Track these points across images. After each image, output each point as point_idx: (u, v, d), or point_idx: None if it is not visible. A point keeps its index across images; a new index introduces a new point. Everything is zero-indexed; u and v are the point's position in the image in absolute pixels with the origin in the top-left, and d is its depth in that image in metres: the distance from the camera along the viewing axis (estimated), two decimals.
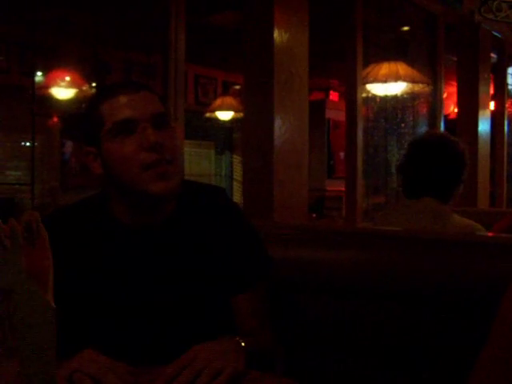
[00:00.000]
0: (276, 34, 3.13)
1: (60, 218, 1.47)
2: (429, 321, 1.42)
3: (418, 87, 4.74)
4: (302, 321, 1.60)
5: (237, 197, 7.14)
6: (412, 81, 4.57)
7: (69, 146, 5.98)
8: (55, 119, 5.75)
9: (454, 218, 2.16)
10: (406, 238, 1.65)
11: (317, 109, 7.15)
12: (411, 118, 5.10)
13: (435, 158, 2.17)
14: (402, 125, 4.99)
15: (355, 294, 1.52)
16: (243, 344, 1.27)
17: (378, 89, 4.71)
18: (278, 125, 3.13)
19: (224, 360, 1.18)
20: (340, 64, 5.11)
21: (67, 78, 5.29)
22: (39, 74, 5.47)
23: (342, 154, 7.86)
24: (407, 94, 4.79)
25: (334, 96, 8.53)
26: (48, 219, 1.46)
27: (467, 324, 1.36)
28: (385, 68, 4.60)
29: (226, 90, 7.34)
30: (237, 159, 8.15)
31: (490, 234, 2.20)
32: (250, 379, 1.21)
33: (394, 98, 4.84)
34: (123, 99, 1.34)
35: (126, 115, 1.32)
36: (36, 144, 5.47)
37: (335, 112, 8.02)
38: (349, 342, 1.53)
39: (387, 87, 4.67)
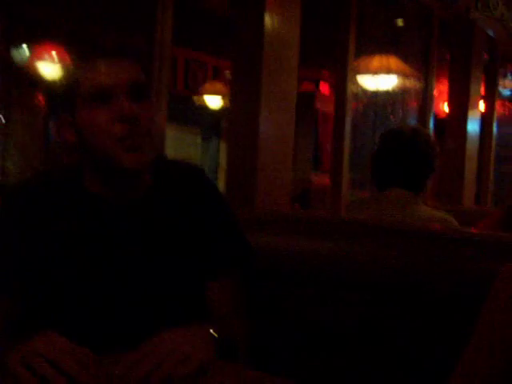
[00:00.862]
0: (267, 20, 3.06)
1: (27, 188, 1.39)
2: (404, 312, 1.41)
3: (409, 82, 4.70)
4: (279, 311, 1.57)
5: (221, 184, 7.08)
6: (403, 75, 4.53)
7: (54, 125, 5.87)
8: (39, 96, 5.65)
9: (424, 209, 2.18)
10: (381, 228, 1.65)
11: (306, 100, 7.09)
12: (400, 114, 5.07)
13: (405, 148, 2.20)
14: (391, 120, 4.96)
15: (334, 284, 1.50)
16: (213, 331, 1.22)
17: (368, 82, 4.67)
18: (265, 112, 3.08)
19: (192, 346, 1.13)
20: (332, 55, 5.06)
21: (54, 53, 5.20)
22: (24, 47, 5.37)
23: (328, 147, 7.83)
24: (398, 88, 4.75)
25: (324, 87, 8.46)
26: (14, 189, 1.41)
27: (447, 319, 1.36)
28: (376, 60, 4.56)
29: (216, 76, 7.27)
30: (224, 146, 8.07)
31: (472, 230, 2.20)
32: (216, 368, 1.15)
33: (384, 92, 4.80)
34: (101, 65, 1.28)
35: (101, 83, 1.26)
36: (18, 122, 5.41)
37: (325, 104, 7.95)
38: (328, 333, 1.50)
39: (378, 81, 4.63)
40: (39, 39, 5.24)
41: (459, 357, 0.98)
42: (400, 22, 5.02)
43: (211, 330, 1.23)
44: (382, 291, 1.44)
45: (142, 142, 1.27)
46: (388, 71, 4.48)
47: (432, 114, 5.33)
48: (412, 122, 5.20)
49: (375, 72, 4.47)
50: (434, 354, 1.34)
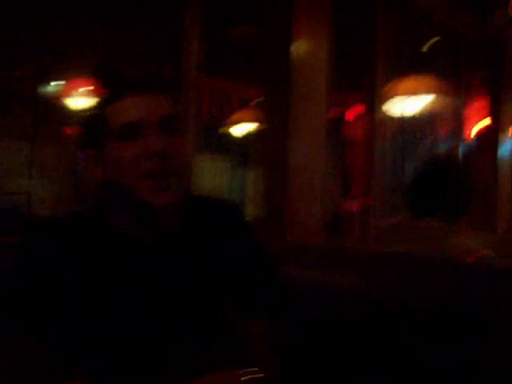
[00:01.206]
0: (295, 46, 3.05)
1: (53, 230, 1.34)
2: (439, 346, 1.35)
3: (445, 101, 4.55)
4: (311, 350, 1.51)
5: (249, 213, 7.04)
6: (440, 92, 4.39)
7: (84, 155, 5.89)
8: (72, 129, 5.69)
9: (458, 240, 2.12)
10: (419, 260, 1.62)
11: (333, 126, 7.04)
12: (432, 137, 4.99)
13: (444, 179, 2.18)
14: (423, 144, 4.88)
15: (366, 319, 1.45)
16: (244, 379, 1.17)
17: (398, 105, 4.58)
18: (295, 141, 3.05)
19: None
20: (360, 81, 5.01)
21: (85, 88, 5.24)
22: (57, 83, 5.44)
23: (357, 174, 7.75)
24: (429, 111, 4.65)
25: (352, 114, 8.40)
26: (40, 231, 1.36)
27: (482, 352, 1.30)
28: (412, 80, 4.44)
29: (244, 104, 7.26)
30: (251, 175, 8.04)
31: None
32: None
33: (414, 117, 4.72)
34: (130, 100, 1.24)
35: (131, 118, 1.23)
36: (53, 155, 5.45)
37: (354, 130, 7.89)
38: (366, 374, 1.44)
39: (411, 102, 4.52)
40: (69, 74, 5.29)
41: None
42: (430, 44, 4.96)
43: (243, 377, 1.17)
44: (419, 325, 1.39)
45: (172, 180, 1.23)
46: (427, 90, 4.36)
47: (462, 137, 5.25)
48: (442, 145, 5.12)
49: (413, 92, 4.36)
50: None
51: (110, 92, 1.32)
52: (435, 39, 5.03)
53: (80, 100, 5.18)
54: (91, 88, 5.09)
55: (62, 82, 5.31)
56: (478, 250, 2.10)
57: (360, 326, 1.47)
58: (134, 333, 1.25)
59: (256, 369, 1.23)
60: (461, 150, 5.16)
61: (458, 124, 5.13)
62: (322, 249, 1.93)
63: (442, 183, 2.17)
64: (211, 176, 7.60)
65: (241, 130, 6.82)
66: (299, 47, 3.08)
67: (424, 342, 1.38)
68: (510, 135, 5.55)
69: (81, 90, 5.14)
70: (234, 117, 6.80)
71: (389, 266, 1.57)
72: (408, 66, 4.63)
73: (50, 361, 1.24)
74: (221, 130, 6.85)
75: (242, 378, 1.17)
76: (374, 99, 4.09)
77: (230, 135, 7.01)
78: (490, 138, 5.38)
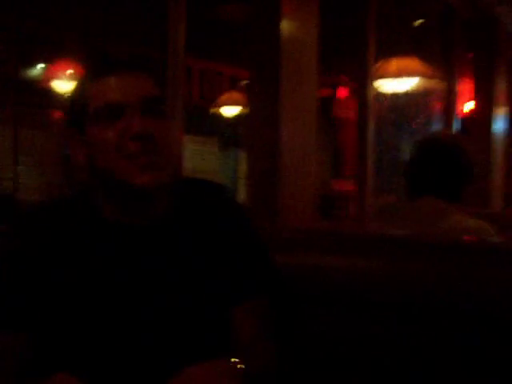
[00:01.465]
0: (283, 25, 2.98)
1: (39, 216, 1.30)
2: (437, 331, 1.31)
3: (430, 83, 4.56)
4: (306, 334, 1.46)
5: (242, 195, 7.02)
6: (425, 76, 4.41)
7: (70, 139, 5.80)
8: (57, 113, 5.62)
9: (459, 219, 2.08)
10: (417, 242, 1.52)
11: (324, 106, 7.00)
12: (424, 116, 4.95)
13: (441, 156, 2.14)
14: (415, 122, 4.84)
15: (363, 303, 1.41)
16: (239, 366, 1.12)
17: (387, 85, 4.55)
18: (285, 121, 2.99)
19: None
20: (350, 59, 4.96)
21: (69, 71, 5.17)
22: (40, 66, 5.37)
23: (348, 153, 7.73)
24: (420, 90, 4.62)
25: (342, 93, 8.36)
26: (26, 218, 1.31)
27: (484, 338, 1.25)
28: (395, 63, 4.44)
29: (233, 85, 7.20)
30: (242, 156, 7.99)
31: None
32: None
33: (406, 94, 4.68)
34: (112, 80, 1.19)
35: (113, 98, 1.18)
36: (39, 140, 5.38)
37: (343, 110, 7.86)
38: (357, 357, 1.40)
39: (397, 84, 4.51)
40: (53, 57, 5.22)
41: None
42: (420, 22, 4.90)
43: (238, 365, 1.12)
44: (414, 309, 1.35)
45: (157, 161, 1.19)
46: (410, 73, 4.36)
47: (455, 115, 5.21)
48: (436, 123, 5.08)
49: (396, 75, 4.35)
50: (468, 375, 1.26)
51: (91, 71, 1.27)
52: (421, 20, 4.99)
53: (63, 82, 5.12)
54: (74, 70, 5.06)
55: (45, 65, 5.24)
56: (479, 227, 2.06)
57: (354, 310, 1.42)
58: (121, 320, 1.21)
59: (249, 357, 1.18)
60: (454, 129, 5.13)
61: (451, 102, 5.09)
62: (315, 231, 1.87)
63: (439, 161, 2.13)
64: (201, 158, 7.55)
65: (231, 110, 6.78)
66: (288, 26, 3.01)
67: (422, 330, 1.34)
68: (502, 113, 5.52)
69: (64, 72, 5.07)
70: (224, 97, 6.75)
71: (386, 248, 1.51)
72: (399, 44, 4.58)
73: (34, 354, 1.19)
74: (211, 111, 6.80)
75: (239, 366, 1.12)
76: (365, 78, 4.03)
77: (220, 116, 6.96)
78: (482, 116, 5.35)
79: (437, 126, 5.03)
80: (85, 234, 1.25)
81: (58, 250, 1.23)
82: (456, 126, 5.18)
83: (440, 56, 5.06)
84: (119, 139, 1.17)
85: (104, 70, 1.22)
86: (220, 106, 6.75)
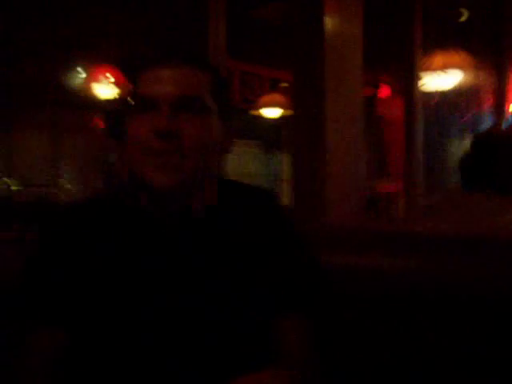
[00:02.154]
0: (327, 22, 2.92)
1: (71, 213, 1.26)
2: (491, 332, 1.26)
3: (478, 77, 4.46)
4: (352, 338, 1.41)
5: (286, 197, 6.97)
6: (470, 68, 4.30)
7: (112, 145, 5.84)
8: (96, 119, 5.67)
9: (509, 219, 1.98)
10: (470, 239, 1.48)
11: (367, 105, 6.92)
12: (474, 112, 4.82)
13: (498, 151, 2.07)
14: (463, 119, 4.72)
15: (414, 304, 1.35)
16: (291, 379, 1.04)
17: (433, 81, 4.45)
18: (331, 120, 2.94)
19: None
20: (393, 57, 4.86)
21: (108, 76, 5.21)
22: (80, 71, 5.42)
23: (393, 152, 7.63)
24: (468, 86, 4.51)
25: (385, 91, 8.26)
26: (63, 212, 1.26)
27: None
28: (440, 57, 4.34)
29: (273, 87, 7.16)
30: (286, 158, 7.96)
31: None
32: None
33: (455, 89, 4.56)
34: (155, 73, 1.15)
35: (148, 91, 1.13)
36: (78, 144, 5.43)
37: (386, 108, 7.76)
38: (407, 359, 1.35)
39: (443, 78, 4.41)
40: (93, 62, 5.27)
41: None
42: (467, 15, 4.77)
43: (289, 377, 1.04)
44: (468, 309, 1.29)
45: (179, 162, 1.12)
46: (455, 66, 4.26)
47: (505, 110, 5.06)
48: (486, 120, 4.95)
49: (442, 68, 4.25)
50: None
51: (144, 58, 1.23)
52: (468, 13, 4.86)
53: (102, 87, 5.15)
54: (113, 75, 5.09)
55: (85, 70, 5.29)
56: None
57: (403, 311, 1.36)
58: (156, 318, 1.14)
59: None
60: (504, 126, 4.98)
61: (500, 99, 4.94)
62: (362, 231, 1.81)
63: (496, 156, 2.07)
64: (243, 160, 7.54)
65: (272, 112, 6.73)
66: (331, 22, 2.96)
67: (465, 330, 1.29)
68: None
69: (103, 77, 5.11)
70: (265, 100, 6.71)
71: (434, 247, 1.44)
72: (445, 38, 4.47)
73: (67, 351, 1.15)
74: (252, 114, 6.77)
75: (288, 376, 1.04)
76: (411, 74, 3.94)
77: (261, 118, 6.93)
78: None
79: (487, 123, 4.89)
80: (120, 229, 1.21)
81: (92, 244, 1.19)
82: (505, 123, 5.03)
83: (489, 50, 4.92)
84: (146, 133, 1.12)
85: (153, 61, 1.18)
86: (261, 108, 6.71)
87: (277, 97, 6.65)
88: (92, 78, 5.21)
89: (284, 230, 1.27)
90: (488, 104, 5.00)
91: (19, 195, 4.78)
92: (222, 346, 1.14)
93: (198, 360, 1.13)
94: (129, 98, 1.16)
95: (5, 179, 4.64)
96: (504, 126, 4.93)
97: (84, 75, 5.38)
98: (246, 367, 1.03)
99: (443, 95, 4.62)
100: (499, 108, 4.89)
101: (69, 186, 5.25)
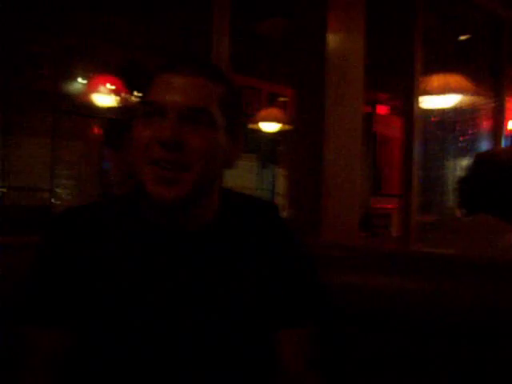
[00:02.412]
0: (329, 38, 2.94)
1: (74, 215, 1.24)
2: (494, 359, 1.24)
3: (477, 99, 4.48)
4: (350, 358, 1.40)
5: (281, 211, 6.96)
6: (468, 93, 4.32)
7: (109, 154, 5.83)
8: (95, 126, 5.65)
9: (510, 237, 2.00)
10: (465, 261, 1.49)
11: (363, 122, 6.93)
12: (470, 133, 4.83)
13: (500, 173, 2.05)
14: (461, 139, 4.73)
15: (413, 327, 1.35)
16: None
17: (431, 102, 4.47)
18: (330, 136, 2.94)
19: None
20: (391, 75, 4.88)
21: (110, 85, 5.20)
22: (79, 80, 5.42)
23: (388, 171, 7.64)
24: (466, 107, 4.53)
25: (381, 110, 8.28)
26: (66, 215, 1.24)
27: None
28: (437, 80, 4.36)
29: (272, 102, 7.17)
30: (280, 172, 7.95)
31: None
32: None
33: (452, 111, 4.59)
34: (168, 79, 1.13)
35: (157, 98, 1.12)
36: (77, 151, 5.41)
37: (382, 127, 7.78)
38: (405, 379, 1.34)
39: (441, 100, 4.43)
40: (94, 71, 5.27)
41: None
42: (467, 37, 4.80)
43: None
44: (468, 334, 1.29)
45: (183, 174, 1.11)
46: (453, 90, 4.28)
47: (504, 133, 5.07)
48: (483, 141, 4.96)
49: (440, 91, 4.27)
50: None
51: (163, 62, 1.22)
52: (468, 35, 4.88)
53: (104, 96, 5.15)
54: (114, 84, 5.09)
55: (86, 80, 5.29)
56: None
57: (399, 331, 1.36)
58: (157, 327, 1.14)
59: None
60: (503, 144, 4.99)
61: (499, 120, 4.95)
62: (358, 249, 1.81)
63: (496, 178, 2.05)
64: (240, 174, 7.53)
65: (269, 127, 6.74)
66: (334, 39, 2.97)
67: (473, 353, 1.28)
68: None
69: (104, 86, 5.11)
70: (263, 114, 6.72)
71: (431, 266, 1.44)
72: (445, 59, 4.49)
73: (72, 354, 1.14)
74: (249, 127, 6.77)
75: None
76: (411, 93, 3.95)
77: (258, 132, 6.93)
78: None
79: (484, 144, 4.91)
80: (124, 234, 1.20)
81: (94, 248, 1.18)
82: (505, 143, 5.04)
83: (487, 72, 4.94)
84: (150, 141, 1.11)
85: (168, 67, 1.16)
86: (258, 122, 6.72)
87: (275, 111, 6.66)
88: (92, 86, 5.20)
89: (287, 241, 1.28)
90: (486, 125, 5.02)
91: (8, 198, 4.76)
92: (225, 358, 1.14)
93: (201, 370, 1.12)
94: (137, 103, 1.15)
95: None
96: (504, 144, 4.95)
97: (84, 83, 5.37)
98: (249, 380, 1.04)
99: (441, 115, 4.65)
100: (497, 129, 4.91)
101: (62, 192, 5.22)
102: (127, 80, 4.85)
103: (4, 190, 4.61)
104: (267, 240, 1.25)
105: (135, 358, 1.13)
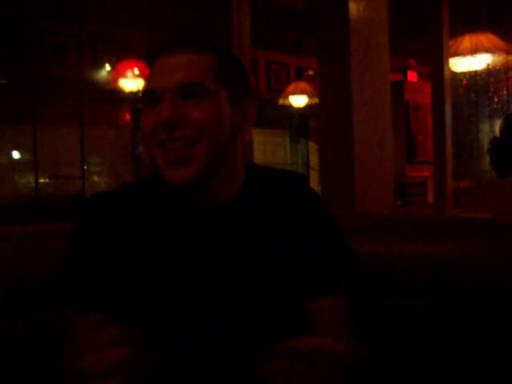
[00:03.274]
0: (352, 5, 2.88)
1: (105, 199, 1.25)
2: None
3: (508, 59, 4.35)
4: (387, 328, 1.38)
5: (314, 186, 6.93)
6: (500, 51, 4.19)
7: (140, 138, 5.85)
8: (125, 112, 5.69)
9: None
10: (499, 224, 1.46)
11: (394, 90, 6.83)
12: (505, 93, 4.71)
13: None
14: (495, 101, 4.62)
15: (448, 294, 1.33)
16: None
17: (462, 64, 4.36)
18: (358, 106, 2.89)
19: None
20: (419, 42, 4.79)
21: (135, 70, 5.22)
22: (107, 66, 5.45)
23: (422, 138, 7.54)
24: (497, 67, 4.41)
25: (412, 77, 8.15)
26: (96, 200, 1.25)
27: None
28: (468, 40, 4.24)
29: (300, 75, 7.12)
30: (313, 147, 7.92)
31: None
32: None
33: (485, 71, 4.47)
34: (160, 64, 1.14)
35: (152, 84, 1.14)
36: (106, 137, 5.46)
37: (414, 93, 7.66)
38: (436, 345, 1.33)
39: (472, 62, 4.32)
40: (119, 56, 5.29)
41: None
42: None
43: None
44: (498, 295, 1.26)
45: (191, 152, 1.11)
46: (485, 50, 4.15)
47: None
48: None
49: (471, 52, 4.15)
50: None
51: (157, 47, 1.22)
52: None
53: (129, 81, 5.17)
54: (139, 69, 5.11)
55: (112, 65, 5.32)
56: None
57: (435, 298, 1.34)
58: (190, 306, 1.14)
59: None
60: None
61: None
62: (393, 218, 1.79)
63: None
64: (271, 150, 7.51)
65: (298, 101, 6.69)
66: (356, 6, 2.91)
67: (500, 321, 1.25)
68: None
69: (130, 71, 5.13)
70: (291, 88, 6.67)
71: (469, 232, 1.41)
72: (474, 18, 4.37)
73: None
74: (278, 103, 6.73)
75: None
76: (440, 57, 3.87)
77: (287, 107, 6.89)
78: None
79: None
80: (152, 216, 1.20)
81: (122, 232, 1.18)
82: None
83: None
84: (154, 125, 1.11)
85: (160, 51, 1.17)
86: (287, 96, 6.67)
87: (303, 85, 6.60)
88: (118, 71, 5.23)
89: (315, 212, 1.26)
90: None
91: (42, 188, 4.83)
92: (258, 333, 1.13)
93: (234, 347, 1.12)
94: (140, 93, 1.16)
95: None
96: None
97: (111, 69, 5.40)
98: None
99: (473, 78, 4.54)
100: None
101: (97, 179, 5.27)
102: (149, 63, 4.86)
103: (39, 180, 4.68)
104: (295, 212, 1.23)
105: (170, 338, 1.12)
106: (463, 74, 4.42)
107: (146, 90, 1.15)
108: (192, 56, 1.13)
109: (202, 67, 1.13)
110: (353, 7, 2.89)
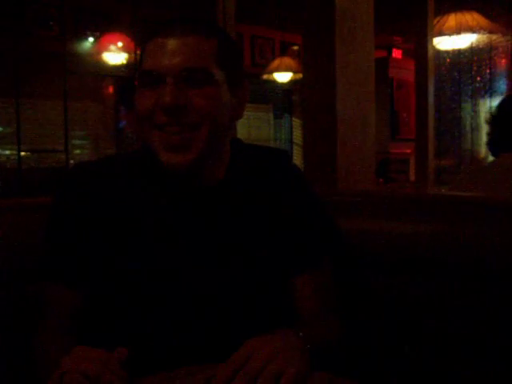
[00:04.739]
0: None
1: (91, 168, 1.23)
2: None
3: (491, 38, 4.36)
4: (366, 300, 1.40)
5: (297, 161, 6.96)
6: (485, 31, 4.20)
7: (124, 112, 5.81)
8: (108, 86, 5.64)
9: None
10: (490, 204, 1.41)
11: (379, 67, 6.82)
12: (488, 72, 4.72)
13: None
14: (478, 79, 4.63)
15: (430, 269, 1.33)
16: (303, 337, 1.02)
17: (446, 43, 4.36)
18: (342, 83, 2.89)
19: (284, 359, 0.93)
20: (404, 20, 4.79)
21: (119, 43, 5.17)
22: (91, 39, 5.39)
23: (405, 115, 7.57)
24: (481, 46, 4.42)
25: (397, 54, 8.15)
26: (77, 169, 1.24)
27: None
28: (453, 19, 4.23)
29: (284, 51, 7.08)
30: (296, 122, 7.91)
31: None
32: (314, 382, 0.98)
33: (468, 50, 4.47)
34: (159, 43, 1.10)
35: (152, 66, 1.10)
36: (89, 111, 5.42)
37: (398, 71, 7.67)
38: (419, 322, 1.34)
39: (456, 40, 4.32)
40: (104, 29, 5.23)
41: None
42: None
43: (302, 337, 1.03)
44: (486, 277, 1.26)
45: (191, 136, 1.10)
46: (469, 29, 4.15)
47: None
48: (501, 80, 4.86)
49: (455, 31, 4.15)
50: None
51: (147, 32, 1.20)
52: None
53: (114, 55, 5.12)
54: (124, 42, 5.06)
55: (96, 37, 5.26)
56: None
57: (415, 274, 1.35)
58: (168, 284, 1.14)
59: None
60: None
61: None
62: (374, 195, 1.79)
63: None
64: (254, 125, 7.50)
65: (283, 77, 6.66)
66: None
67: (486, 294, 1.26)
68: None
69: (115, 44, 5.07)
70: (275, 63, 6.63)
71: (450, 209, 1.42)
72: None
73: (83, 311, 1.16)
74: (263, 78, 6.69)
75: (300, 334, 1.03)
76: (424, 35, 3.87)
77: (272, 83, 6.86)
78: None
79: (502, 83, 4.80)
80: (134, 189, 1.20)
81: (106, 202, 1.17)
82: None
83: (505, 8, 4.80)
84: (152, 108, 1.10)
85: (159, 30, 1.13)
86: (272, 72, 6.63)
87: (287, 60, 6.56)
88: (102, 44, 5.18)
89: (297, 186, 1.28)
90: (504, 63, 4.91)
91: (25, 161, 4.79)
92: (241, 307, 1.15)
93: (218, 320, 1.13)
94: (139, 70, 1.14)
95: None
96: None
97: (94, 41, 5.35)
98: (266, 324, 1.04)
99: (456, 56, 4.55)
100: None
101: (80, 152, 5.25)
102: (136, 36, 4.81)
103: (21, 153, 4.64)
104: (278, 187, 1.24)
105: (152, 311, 1.13)
106: (447, 52, 4.42)
107: (143, 70, 1.11)
108: (195, 39, 1.11)
109: (204, 52, 1.11)
110: None
